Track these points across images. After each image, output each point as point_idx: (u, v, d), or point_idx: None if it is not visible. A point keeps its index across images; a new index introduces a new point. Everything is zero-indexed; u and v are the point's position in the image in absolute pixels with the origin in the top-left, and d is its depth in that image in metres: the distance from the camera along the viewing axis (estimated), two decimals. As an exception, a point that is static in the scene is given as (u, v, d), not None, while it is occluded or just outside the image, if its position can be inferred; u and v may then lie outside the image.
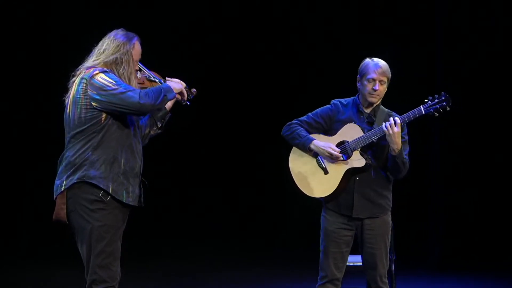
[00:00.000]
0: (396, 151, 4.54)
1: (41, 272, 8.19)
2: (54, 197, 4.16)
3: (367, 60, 4.72)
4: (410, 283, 7.57)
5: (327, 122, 4.79)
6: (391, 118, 4.56)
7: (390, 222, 4.82)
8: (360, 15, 9.24)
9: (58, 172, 4.17)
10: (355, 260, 5.24)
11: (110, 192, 4.06)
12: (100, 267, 4.07)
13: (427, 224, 8.85)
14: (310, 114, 4.84)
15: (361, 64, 4.74)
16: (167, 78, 4.41)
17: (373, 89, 4.63)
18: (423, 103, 4.63)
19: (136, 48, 4.23)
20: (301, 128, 4.78)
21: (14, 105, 9.22)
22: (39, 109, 9.00)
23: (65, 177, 4.10)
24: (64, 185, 4.10)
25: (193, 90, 4.43)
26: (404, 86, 8.36)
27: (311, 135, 4.77)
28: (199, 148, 9.78)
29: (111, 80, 4.07)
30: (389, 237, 4.77)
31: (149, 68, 4.39)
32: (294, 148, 4.83)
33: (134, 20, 7.55)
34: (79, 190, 4.07)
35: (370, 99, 4.68)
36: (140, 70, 4.33)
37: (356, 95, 4.80)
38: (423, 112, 4.59)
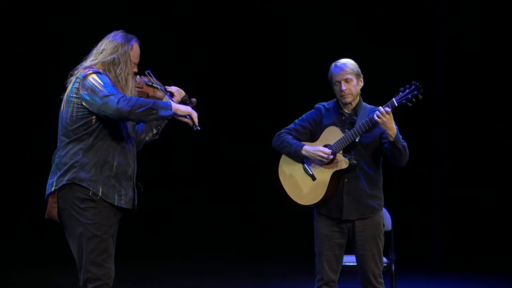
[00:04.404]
0: (393, 135, 4.55)
1: (41, 272, 8.19)
2: (46, 196, 4.17)
3: (332, 65, 4.81)
4: (410, 283, 7.56)
5: (313, 126, 4.87)
6: (379, 108, 4.54)
7: (383, 222, 4.84)
8: (360, 17, 9.24)
9: (51, 171, 4.19)
10: (351, 260, 5.25)
11: (100, 195, 4.07)
12: (93, 264, 4.06)
13: (428, 224, 8.84)
14: (296, 120, 4.93)
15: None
16: (166, 86, 4.38)
17: (341, 90, 4.74)
18: (394, 95, 4.60)
19: (135, 50, 4.23)
20: (290, 136, 4.86)
21: (16, 103, 9.24)
22: (40, 108, 9.00)
23: (56, 177, 4.12)
24: (55, 186, 4.11)
25: (193, 100, 4.38)
26: (404, 85, 8.35)
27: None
28: (198, 148, 9.77)
29: (100, 82, 4.06)
30: (382, 237, 4.79)
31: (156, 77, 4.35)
32: (281, 160, 4.90)
33: (134, 21, 7.56)
34: (70, 190, 4.08)
35: (344, 100, 4.77)
36: (138, 74, 4.30)
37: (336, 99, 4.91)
38: (396, 104, 4.57)
